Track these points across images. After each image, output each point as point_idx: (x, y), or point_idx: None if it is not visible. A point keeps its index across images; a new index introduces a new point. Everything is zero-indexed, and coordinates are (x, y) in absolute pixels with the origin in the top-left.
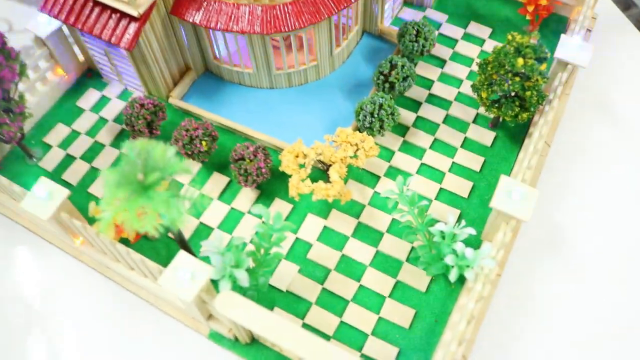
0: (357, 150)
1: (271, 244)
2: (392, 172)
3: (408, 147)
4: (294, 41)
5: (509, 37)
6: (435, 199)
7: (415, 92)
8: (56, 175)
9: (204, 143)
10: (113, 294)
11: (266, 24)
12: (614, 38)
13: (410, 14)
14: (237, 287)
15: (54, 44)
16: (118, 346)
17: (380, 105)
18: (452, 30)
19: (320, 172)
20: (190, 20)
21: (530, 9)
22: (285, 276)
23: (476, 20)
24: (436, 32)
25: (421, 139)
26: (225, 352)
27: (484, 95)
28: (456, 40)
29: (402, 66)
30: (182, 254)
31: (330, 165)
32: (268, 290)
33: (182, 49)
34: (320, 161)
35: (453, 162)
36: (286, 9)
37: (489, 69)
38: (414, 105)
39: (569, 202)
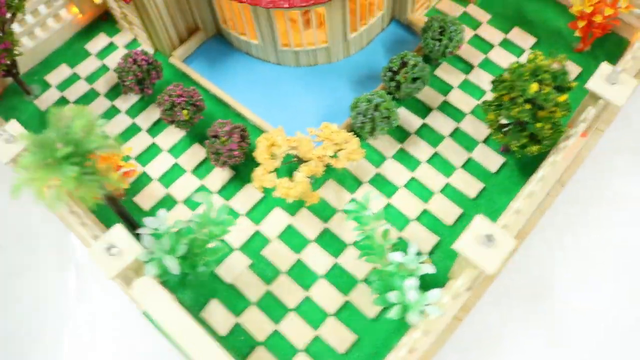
0: (339, 150)
1: (210, 237)
2: (378, 180)
3: (403, 156)
4: (301, 18)
5: (531, 55)
6: (416, 219)
7: (429, 95)
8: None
9: (184, 112)
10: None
11: None
12: None
13: (449, 7)
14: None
15: None
16: (50, 300)
17: (377, 106)
18: (491, 33)
19: (297, 166)
20: None
21: (582, 24)
22: (234, 268)
23: (522, 27)
24: (465, 33)
25: (420, 149)
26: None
27: (491, 117)
28: (492, 45)
29: (414, 66)
30: (117, 227)
31: (305, 162)
32: (212, 280)
33: (191, 7)
34: (296, 155)
35: (447, 183)
36: None
37: (500, 88)
38: (423, 110)
39: (563, 250)
